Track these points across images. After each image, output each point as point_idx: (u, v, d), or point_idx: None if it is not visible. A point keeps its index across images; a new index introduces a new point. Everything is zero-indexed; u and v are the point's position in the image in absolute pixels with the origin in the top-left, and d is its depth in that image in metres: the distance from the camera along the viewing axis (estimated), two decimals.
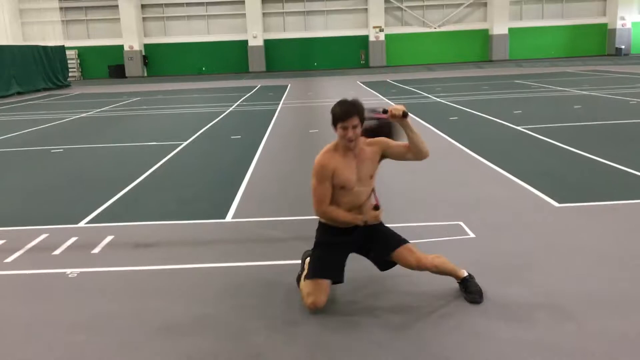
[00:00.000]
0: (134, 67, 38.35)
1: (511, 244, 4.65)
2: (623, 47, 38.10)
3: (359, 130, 3.51)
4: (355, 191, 3.63)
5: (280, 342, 3.26)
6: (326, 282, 3.59)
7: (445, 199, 6.04)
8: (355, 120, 3.47)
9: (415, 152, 3.67)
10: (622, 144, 8.59)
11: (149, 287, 4.12)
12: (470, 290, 3.67)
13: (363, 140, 3.65)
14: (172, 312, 3.68)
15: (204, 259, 4.62)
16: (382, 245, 3.71)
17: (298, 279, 3.92)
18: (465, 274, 3.75)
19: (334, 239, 3.70)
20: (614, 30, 38.67)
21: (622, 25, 38.46)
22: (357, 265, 3.95)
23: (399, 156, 3.71)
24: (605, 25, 39.30)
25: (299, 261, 4.12)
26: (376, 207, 3.68)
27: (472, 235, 4.87)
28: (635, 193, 5.93)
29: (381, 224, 3.79)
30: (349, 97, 3.57)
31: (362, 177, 3.62)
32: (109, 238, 5.18)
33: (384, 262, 3.76)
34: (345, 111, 3.47)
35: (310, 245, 3.92)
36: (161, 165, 8.56)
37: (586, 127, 10.29)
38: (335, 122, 3.52)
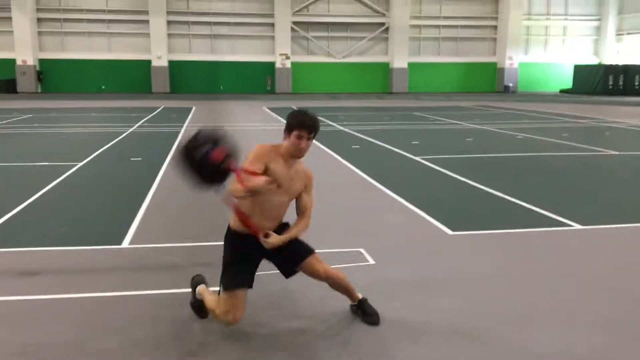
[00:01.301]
0: (26, 83, 36.19)
1: (409, 269, 4.80)
2: (511, 84, 41.03)
3: (310, 145, 3.43)
4: (280, 200, 3.48)
5: None
6: (243, 293, 3.47)
7: (346, 226, 6.16)
8: (313, 135, 3.42)
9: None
10: (510, 176, 9.19)
11: (32, 318, 3.85)
12: (368, 313, 3.78)
13: (301, 160, 3.56)
14: (56, 347, 3.45)
15: (96, 287, 4.38)
16: (291, 254, 3.62)
17: (193, 306, 3.80)
18: (361, 296, 3.84)
19: (242, 247, 3.53)
20: (502, 69, 41.59)
21: (510, 65, 41.48)
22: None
23: (297, 202, 3.63)
24: (495, 64, 42.19)
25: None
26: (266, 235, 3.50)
27: (372, 262, 4.98)
28: (520, 222, 6.34)
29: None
30: (306, 110, 3.53)
31: (291, 191, 3.52)
32: None
33: (290, 270, 3.69)
34: (310, 124, 3.39)
35: (210, 272, 3.85)
36: (53, 187, 8.09)
37: (477, 159, 10.92)
38: (292, 128, 3.38)
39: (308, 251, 3.67)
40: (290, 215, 3.66)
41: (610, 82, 37.59)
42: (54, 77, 37.23)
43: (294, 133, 3.38)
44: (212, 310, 3.56)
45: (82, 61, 37.30)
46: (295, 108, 24.60)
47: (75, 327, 3.70)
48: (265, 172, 3.36)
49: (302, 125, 3.38)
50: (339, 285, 3.75)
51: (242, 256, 3.53)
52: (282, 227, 3.64)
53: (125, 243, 5.52)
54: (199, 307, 3.76)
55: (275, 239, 3.46)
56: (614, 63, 39.86)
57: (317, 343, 3.51)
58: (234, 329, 3.63)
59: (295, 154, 3.43)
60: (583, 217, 6.49)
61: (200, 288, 3.76)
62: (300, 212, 3.61)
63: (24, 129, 16.00)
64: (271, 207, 3.47)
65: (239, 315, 3.43)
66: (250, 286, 3.57)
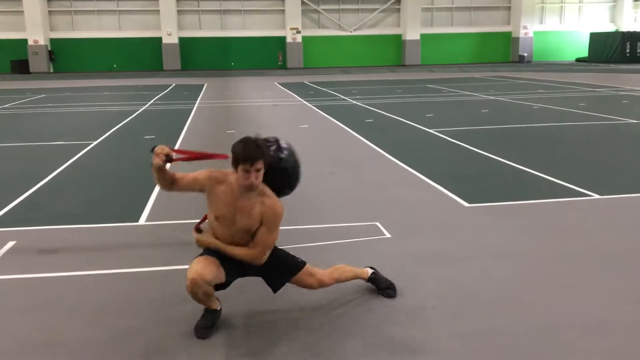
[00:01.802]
0: (38, 63, 36.30)
1: (425, 243, 4.78)
2: (526, 54, 40.39)
3: (261, 173, 3.15)
4: (230, 231, 3.29)
5: (198, 348, 3.17)
6: (214, 260, 3.25)
7: (361, 200, 6.14)
8: (260, 164, 3.10)
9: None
10: (526, 147, 9.08)
11: (52, 296, 3.89)
12: (382, 287, 3.76)
13: (264, 191, 3.27)
14: (77, 321, 3.49)
15: (115, 264, 4.42)
16: (280, 271, 3.47)
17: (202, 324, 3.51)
18: (370, 272, 3.80)
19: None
20: (517, 39, 40.90)
21: (525, 34, 40.78)
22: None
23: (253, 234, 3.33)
24: (509, 33, 41.49)
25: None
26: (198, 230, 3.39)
27: (388, 235, 4.97)
28: (537, 192, 6.27)
29: (276, 248, 3.47)
30: (253, 135, 3.23)
31: (237, 224, 3.25)
32: (10, 244, 4.85)
33: (278, 286, 3.54)
34: (250, 154, 3.08)
35: None
36: (68, 166, 8.15)
37: (493, 130, 10.80)
38: (236, 163, 3.13)
39: (297, 268, 3.48)
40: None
41: (628, 50, 36.88)
42: (66, 56, 37.28)
43: (240, 167, 3.12)
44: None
45: (92, 40, 37.28)
46: (307, 83, 24.46)
47: (95, 304, 3.74)
48: (209, 197, 3.30)
49: (244, 159, 3.09)
50: (343, 280, 3.71)
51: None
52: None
53: (142, 220, 5.55)
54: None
55: (204, 239, 3.31)
56: (631, 30, 39.00)
57: (332, 320, 3.52)
58: (249, 308, 3.65)
59: (247, 188, 3.18)
60: (602, 186, 6.40)
61: None
62: (252, 242, 3.29)
63: (37, 108, 16.08)
64: (223, 235, 3.32)
65: (201, 270, 3.16)
66: (227, 283, 3.37)
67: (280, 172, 3.36)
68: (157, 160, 3.22)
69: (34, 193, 6.61)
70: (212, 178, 3.31)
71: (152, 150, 3.26)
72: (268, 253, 3.33)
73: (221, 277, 3.29)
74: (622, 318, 3.43)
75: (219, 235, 3.33)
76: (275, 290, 3.54)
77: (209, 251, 3.34)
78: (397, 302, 3.68)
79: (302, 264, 3.51)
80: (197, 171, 3.37)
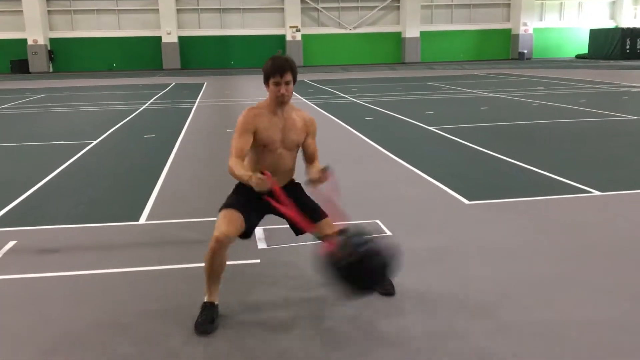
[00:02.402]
0: (38, 62, 36.30)
1: (426, 240, 4.78)
2: (525, 51, 40.35)
3: (291, 87, 3.36)
4: (278, 153, 3.45)
5: (200, 345, 3.18)
6: (237, 215, 3.33)
7: (362, 198, 6.14)
8: (289, 77, 3.31)
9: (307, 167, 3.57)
10: (526, 144, 9.08)
11: (54, 295, 3.90)
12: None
13: (293, 106, 3.52)
14: (78, 322, 3.50)
15: (115, 263, 4.42)
16: (306, 212, 3.48)
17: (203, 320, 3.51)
18: None
19: (252, 195, 3.34)
20: (517, 36, 40.86)
21: (525, 31, 40.73)
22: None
23: (303, 151, 3.57)
24: (509, 30, 41.45)
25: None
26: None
27: (388, 232, 4.97)
28: (538, 189, 6.27)
29: (303, 192, 3.61)
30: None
31: (287, 141, 3.45)
32: (11, 243, 4.85)
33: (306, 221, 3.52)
34: (279, 66, 3.29)
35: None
36: (69, 165, 8.15)
37: (493, 128, 10.79)
38: (267, 78, 3.34)
39: (323, 214, 3.56)
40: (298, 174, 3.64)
41: (628, 46, 36.86)
42: (65, 56, 37.28)
43: (270, 81, 3.33)
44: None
45: (92, 39, 37.27)
46: (307, 81, 24.45)
47: (96, 303, 3.74)
48: (256, 134, 3.36)
49: (273, 71, 3.30)
50: None
51: (246, 196, 3.40)
52: (293, 186, 3.60)
53: (143, 219, 5.55)
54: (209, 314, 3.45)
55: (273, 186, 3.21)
56: (631, 26, 38.96)
57: (324, 317, 3.52)
58: (253, 301, 3.65)
59: (279, 101, 3.37)
60: (602, 183, 6.40)
61: None
62: (309, 160, 3.57)
63: (38, 108, 16.08)
64: (270, 162, 3.43)
65: (226, 230, 3.26)
66: (250, 232, 3.45)
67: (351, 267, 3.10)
68: (264, 186, 3.12)
69: (34, 193, 6.61)
70: (253, 118, 3.39)
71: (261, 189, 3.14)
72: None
73: (242, 228, 3.37)
74: (624, 315, 3.43)
75: (265, 164, 3.43)
76: (298, 233, 3.59)
77: (236, 201, 3.41)
78: (398, 298, 3.68)
79: (327, 214, 3.56)
80: (238, 123, 3.41)
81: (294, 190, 3.58)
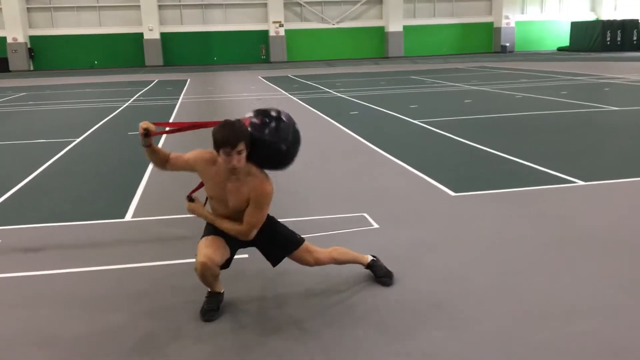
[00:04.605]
0: (18, 61, 35.75)
1: (413, 232, 4.81)
2: (508, 44, 40.58)
3: (244, 156, 3.16)
4: (220, 209, 3.39)
5: (190, 344, 3.17)
6: (220, 240, 3.36)
7: (348, 191, 6.15)
8: (241, 146, 3.11)
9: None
10: (510, 136, 9.15)
11: (41, 294, 3.86)
12: (379, 274, 3.80)
13: (253, 173, 3.28)
14: (65, 321, 3.47)
15: (102, 261, 4.39)
16: (279, 246, 3.54)
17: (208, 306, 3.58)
18: (370, 258, 3.86)
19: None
20: (499, 29, 41.08)
21: (507, 24, 40.96)
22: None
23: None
24: (491, 24, 41.66)
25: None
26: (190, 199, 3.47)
27: (376, 225, 4.99)
28: (522, 180, 6.33)
29: (275, 222, 3.58)
30: (232, 119, 3.24)
31: (232, 205, 3.32)
32: None
33: (277, 259, 3.61)
34: (228, 139, 3.08)
35: None
36: (52, 163, 8.06)
37: (477, 120, 10.86)
38: (217, 148, 3.16)
39: (296, 244, 3.54)
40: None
41: (608, 38, 37.24)
42: (46, 54, 36.77)
43: (221, 151, 3.15)
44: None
45: (72, 37, 36.79)
46: (291, 76, 24.36)
47: (83, 301, 3.71)
48: (202, 175, 3.38)
49: (223, 142, 3.11)
50: (341, 261, 3.76)
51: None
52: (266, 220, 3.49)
53: (129, 216, 5.51)
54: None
55: (195, 208, 3.42)
56: (611, 18, 39.36)
57: (323, 309, 3.53)
58: (243, 297, 3.65)
59: (231, 171, 3.21)
60: (585, 173, 6.48)
61: None
62: (241, 220, 3.34)
63: (19, 107, 15.87)
64: (221, 212, 3.40)
65: (211, 254, 3.26)
66: (229, 262, 3.49)
67: (263, 148, 3.23)
68: (139, 136, 3.27)
69: (16, 192, 6.53)
70: (203, 160, 3.36)
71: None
72: (255, 231, 3.36)
73: (227, 254, 3.41)
74: (608, 303, 3.47)
75: (218, 212, 3.41)
76: (274, 264, 3.63)
77: (214, 230, 3.41)
78: (388, 290, 3.70)
79: (301, 240, 3.58)
80: (190, 152, 3.44)
81: (267, 223, 3.46)
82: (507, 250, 4.36)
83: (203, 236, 3.45)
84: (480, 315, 3.36)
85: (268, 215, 3.45)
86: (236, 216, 3.36)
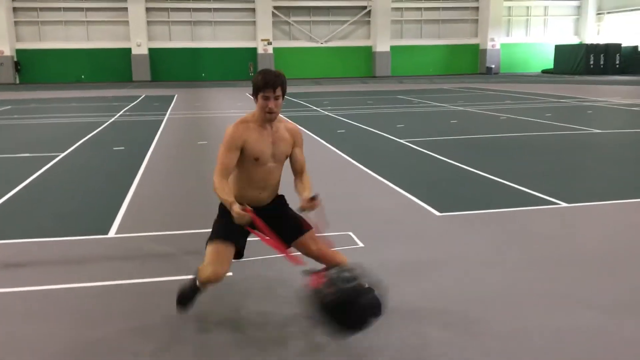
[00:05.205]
0: (4, 74, 35.54)
1: (398, 252, 4.82)
2: (493, 66, 41.13)
3: (280, 102, 3.33)
4: (268, 167, 3.43)
5: (169, 357, 3.14)
6: (229, 250, 3.35)
7: (334, 210, 6.13)
8: (279, 91, 3.30)
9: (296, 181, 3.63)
10: (495, 157, 9.24)
11: (23, 310, 3.80)
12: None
13: (281, 118, 3.49)
14: (47, 338, 3.42)
15: (84, 278, 4.34)
16: (290, 228, 3.54)
17: (183, 293, 3.66)
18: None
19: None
20: (485, 51, 41.65)
21: (492, 46, 41.56)
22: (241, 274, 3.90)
23: (292, 162, 3.60)
24: (477, 45, 42.23)
25: (191, 276, 3.88)
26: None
27: (361, 244, 4.99)
28: (506, 201, 6.38)
29: (287, 206, 3.65)
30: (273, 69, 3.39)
31: (277, 154, 3.45)
32: None
33: (287, 240, 3.55)
34: (270, 80, 3.26)
35: (199, 260, 3.81)
36: (36, 178, 7.99)
37: (462, 141, 10.95)
38: (256, 91, 3.31)
39: (309, 226, 3.57)
40: (285, 185, 3.63)
41: (592, 62, 37.86)
42: (32, 67, 36.60)
43: (260, 95, 3.30)
44: (199, 272, 3.43)
45: (60, 51, 36.70)
46: None
47: (66, 318, 3.67)
48: (245, 149, 3.33)
49: (264, 85, 3.27)
50: (328, 263, 3.71)
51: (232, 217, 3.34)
52: (279, 200, 3.60)
53: (112, 232, 5.47)
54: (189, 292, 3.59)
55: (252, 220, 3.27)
56: (594, 42, 40.09)
57: (308, 329, 3.51)
58: (228, 315, 3.62)
59: (267, 116, 3.34)
60: (568, 195, 6.55)
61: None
62: (298, 171, 3.59)
63: (3, 120, 15.74)
64: (261, 176, 3.42)
65: (219, 271, 3.30)
66: (242, 254, 3.49)
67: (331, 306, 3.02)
68: (244, 220, 3.21)
69: (0, 206, 6.46)
70: (242, 132, 3.35)
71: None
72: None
73: (232, 258, 3.42)
74: (589, 323, 3.50)
75: (256, 179, 3.42)
76: (289, 244, 3.56)
77: (224, 233, 3.37)
78: None
79: (311, 226, 3.56)
80: (225, 141, 3.35)
81: (280, 204, 3.60)
82: (490, 270, 4.38)
83: (214, 238, 3.39)
84: (461, 335, 3.36)
85: (282, 196, 3.65)
86: (275, 170, 3.47)
